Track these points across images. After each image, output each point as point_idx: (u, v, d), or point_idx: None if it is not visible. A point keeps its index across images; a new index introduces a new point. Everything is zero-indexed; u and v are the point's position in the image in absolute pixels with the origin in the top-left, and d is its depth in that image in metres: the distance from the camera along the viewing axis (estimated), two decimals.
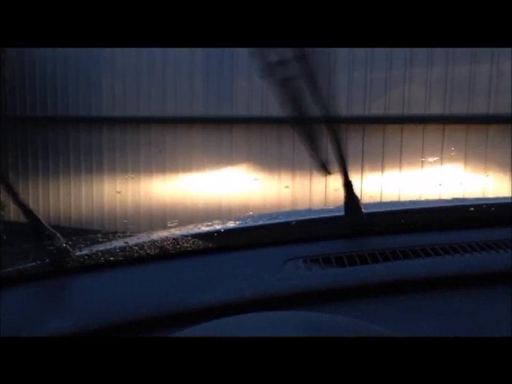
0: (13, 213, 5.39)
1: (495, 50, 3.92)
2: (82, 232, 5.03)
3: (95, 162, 5.18)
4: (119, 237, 0.99)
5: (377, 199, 4.04)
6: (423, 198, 3.74)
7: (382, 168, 4.13)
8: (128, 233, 1.09)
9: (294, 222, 1.08)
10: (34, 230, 0.88)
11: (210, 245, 0.92)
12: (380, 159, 4.12)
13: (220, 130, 4.65)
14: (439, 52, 4.00)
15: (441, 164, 3.97)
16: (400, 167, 4.09)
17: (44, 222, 0.88)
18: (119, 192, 5.03)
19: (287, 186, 4.40)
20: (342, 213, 1.17)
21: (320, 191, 4.31)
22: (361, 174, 4.13)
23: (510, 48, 3.80)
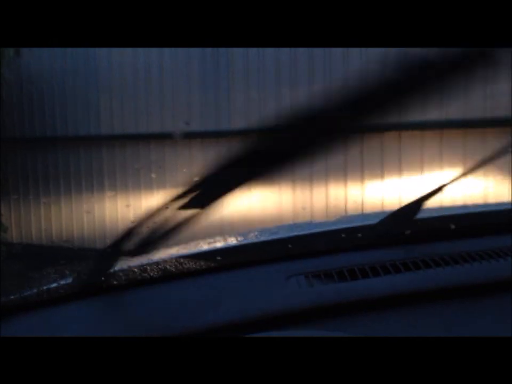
0: (15, 234, 5.40)
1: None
2: (85, 251, 5.03)
3: (95, 180, 5.20)
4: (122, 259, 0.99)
5: (378, 207, 4.04)
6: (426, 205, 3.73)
7: (382, 176, 4.13)
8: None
9: (296, 237, 1.09)
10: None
11: (212, 264, 0.93)
12: (380, 166, 4.13)
13: (218, 144, 4.67)
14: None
15: (441, 169, 3.98)
16: (400, 174, 4.10)
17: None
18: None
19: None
20: (344, 225, 1.18)
21: (321, 202, 4.31)
22: (361, 182, 4.14)
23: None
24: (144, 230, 0.76)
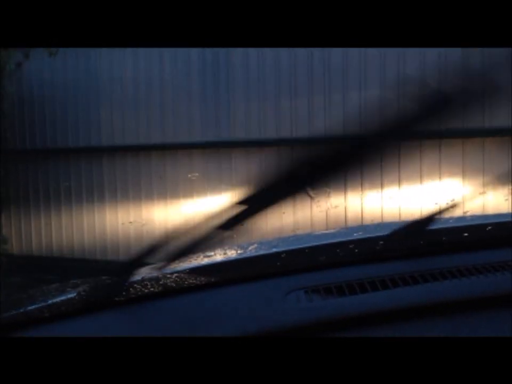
0: (15, 246, 5.39)
1: (487, 62, 3.96)
2: (85, 262, 5.03)
3: (96, 191, 5.21)
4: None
5: (378, 217, 4.05)
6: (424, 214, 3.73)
7: (381, 186, 4.14)
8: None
9: (295, 250, 1.09)
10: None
11: (211, 280, 0.93)
12: (379, 176, 4.14)
13: (219, 154, 4.69)
14: (432, 67, 4.05)
15: (440, 178, 3.98)
16: (399, 184, 4.11)
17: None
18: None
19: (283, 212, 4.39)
20: (343, 238, 1.18)
21: (321, 212, 4.31)
22: (361, 192, 4.14)
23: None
24: (172, 245, 0.77)
